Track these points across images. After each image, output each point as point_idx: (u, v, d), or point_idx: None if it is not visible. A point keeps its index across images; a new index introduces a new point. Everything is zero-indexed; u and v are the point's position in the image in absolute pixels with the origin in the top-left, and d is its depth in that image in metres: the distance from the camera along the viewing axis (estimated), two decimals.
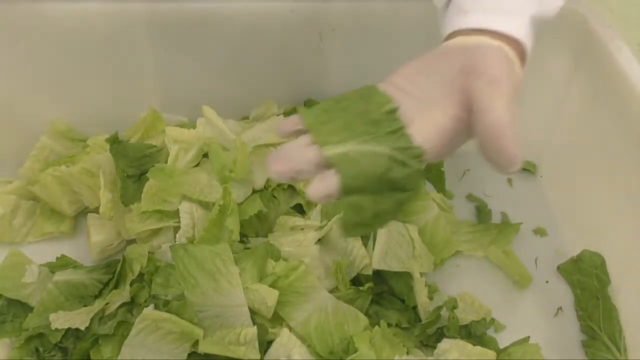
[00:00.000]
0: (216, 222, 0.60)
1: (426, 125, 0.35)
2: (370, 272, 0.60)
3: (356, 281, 0.62)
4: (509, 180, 0.75)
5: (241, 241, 0.61)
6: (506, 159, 0.33)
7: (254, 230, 0.64)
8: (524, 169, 0.76)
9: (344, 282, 0.60)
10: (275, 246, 0.59)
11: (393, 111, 0.35)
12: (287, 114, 0.72)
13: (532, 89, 0.67)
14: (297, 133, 0.36)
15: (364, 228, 0.35)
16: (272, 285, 0.56)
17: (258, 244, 0.60)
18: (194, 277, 0.54)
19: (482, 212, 0.72)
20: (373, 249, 0.61)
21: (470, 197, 0.73)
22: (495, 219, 0.71)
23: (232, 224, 0.60)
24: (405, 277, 0.61)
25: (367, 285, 0.60)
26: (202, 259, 0.55)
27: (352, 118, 0.35)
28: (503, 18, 0.38)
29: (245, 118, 0.74)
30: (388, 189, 0.34)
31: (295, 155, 0.34)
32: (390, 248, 0.61)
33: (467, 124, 0.35)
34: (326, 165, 0.34)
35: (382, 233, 0.61)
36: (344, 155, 0.34)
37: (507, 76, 0.35)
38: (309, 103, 0.72)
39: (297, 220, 0.59)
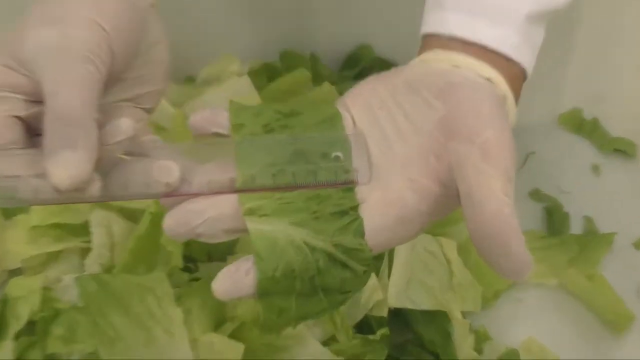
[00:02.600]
0: (147, 240, 0.60)
1: (384, 206, 0.38)
2: (385, 313, 0.60)
3: (364, 326, 0.61)
4: (595, 168, 0.75)
5: (186, 268, 0.61)
6: (512, 265, 0.36)
7: (205, 251, 0.64)
8: (618, 150, 0.76)
9: (345, 329, 0.60)
10: None
11: (347, 172, 0.39)
12: (255, 74, 0.72)
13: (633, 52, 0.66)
14: (213, 135, 0.40)
15: (291, 325, 0.39)
16: (234, 336, 0.56)
17: (211, 273, 0.57)
18: (113, 325, 0.54)
19: (554, 218, 0.71)
20: (389, 276, 0.61)
21: (536, 195, 0.74)
22: (576, 227, 0.71)
23: (172, 242, 0.60)
24: (440, 318, 0.61)
25: (381, 332, 0.60)
26: (125, 297, 0.55)
27: (297, 161, 0.39)
28: (491, 23, 0.41)
29: (191, 80, 0.75)
30: (321, 291, 0.38)
31: (201, 206, 0.38)
32: (415, 275, 0.61)
33: (443, 203, 0.39)
34: (241, 231, 0.38)
35: (401, 251, 0.61)
36: (269, 241, 0.37)
37: (503, 135, 0.38)
38: (285, 56, 0.73)
39: None
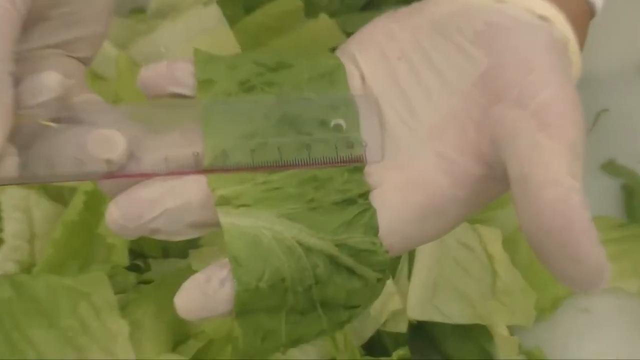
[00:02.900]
0: (79, 229, 0.60)
1: (406, 192, 0.39)
2: (403, 328, 0.61)
3: (376, 346, 0.62)
4: None
5: (133, 267, 0.61)
6: (582, 272, 0.36)
7: (160, 244, 0.64)
8: None
9: (350, 350, 0.60)
10: None
11: (353, 145, 0.39)
12: (226, 3, 0.73)
13: None
14: (172, 96, 0.41)
15: (279, 350, 0.39)
16: (200, 358, 0.57)
17: (167, 273, 0.60)
18: (33, 342, 0.54)
19: (635, 198, 0.72)
20: (409, 279, 0.61)
21: (610, 168, 0.74)
22: None
23: None
24: (478, 335, 0.62)
25: (399, 353, 0.60)
26: (49, 305, 0.55)
27: (286, 131, 0.40)
28: None
29: (139, 11, 0.75)
30: (320, 306, 0.39)
31: (157, 192, 0.38)
32: (445, 277, 0.61)
33: (485, 188, 0.39)
34: (212, 225, 0.39)
35: (426, 245, 0.59)
36: (250, 241, 0.38)
37: (565, 94, 0.38)
38: None
39: None
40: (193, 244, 0.65)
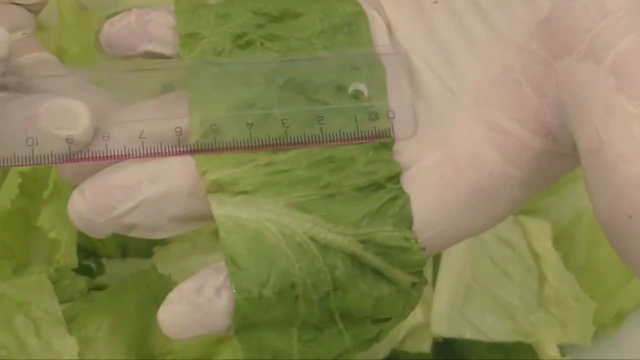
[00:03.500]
0: (14, 221, 0.57)
1: (447, 173, 0.38)
2: (427, 347, 0.57)
3: None
4: None
5: (83, 269, 0.58)
6: None
7: (116, 240, 0.62)
8: None
9: None
10: (168, 279, 0.56)
11: (378, 117, 0.38)
12: None
13: None
14: (147, 56, 0.39)
15: None
16: None
17: (126, 277, 0.56)
18: None
19: None
20: (433, 284, 0.57)
21: None
22: None
23: (59, 224, 0.56)
24: (521, 355, 0.58)
25: None
26: None
27: (292, 98, 0.37)
28: None
29: None
30: (340, 319, 0.37)
31: (132, 178, 0.36)
32: (479, 282, 0.58)
33: (548, 166, 0.38)
34: (202, 218, 0.38)
35: None
36: (251, 238, 0.36)
37: None
38: None
39: None
40: (158, 240, 0.62)
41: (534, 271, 0.57)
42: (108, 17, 0.63)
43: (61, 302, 0.53)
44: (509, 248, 0.57)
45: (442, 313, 0.56)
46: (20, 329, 0.52)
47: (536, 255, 0.57)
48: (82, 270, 0.57)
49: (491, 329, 0.56)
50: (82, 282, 0.56)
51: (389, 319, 0.38)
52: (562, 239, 0.58)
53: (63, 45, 0.61)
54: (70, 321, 0.52)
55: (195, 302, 0.36)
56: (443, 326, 0.55)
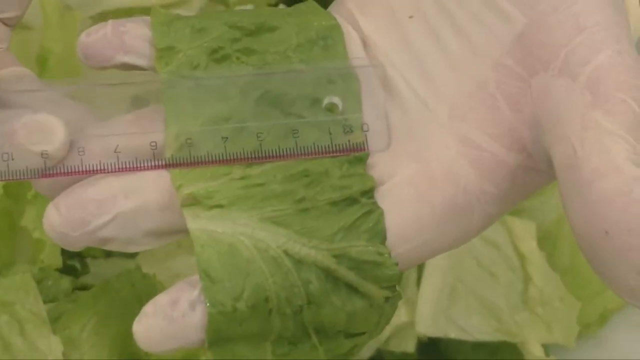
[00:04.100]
0: None
1: (421, 188, 0.38)
2: (411, 347, 0.57)
3: None
4: None
5: (67, 269, 0.58)
6: None
7: None
8: None
9: None
10: (153, 279, 0.56)
11: (352, 130, 0.38)
12: None
13: None
14: (123, 67, 0.39)
15: None
16: None
17: (111, 277, 0.56)
18: None
19: None
20: (418, 284, 0.57)
21: None
22: None
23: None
24: (505, 355, 0.58)
25: None
26: None
27: (267, 112, 0.38)
28: None
29: None
30: (314, 333, 0.37)
31: (106, 192, 0.36)
32: (463, 282, 0.58)
33: (523, 182, 0.38)
34: (177, 232, 0.38)
35: None
36: (225, 252, 0.36)
37: (624, 58, 0.35)
38: None
39: None
40: None
41: (519, 271, 0.57)
42: (92, 18, 0.65)
43: (45, 302, 0.53)
44: (494, 248, 0.57)
45: (426, 313, 0.56)
46: (5, 328, 0.52)
47: (521, 255, 0.57)
48: (66, 270, 0.57)
49: (476, 328, 0.56)
50: (66, 282, 0.56)
51: (362, 334, 0.38)
52: (546, 240, 0.58)
53: (47, 44, 0.60)
54: (54, 321, 0.52)
55: (169, 316, 0.36)
56: (428, 326, 0.56)
